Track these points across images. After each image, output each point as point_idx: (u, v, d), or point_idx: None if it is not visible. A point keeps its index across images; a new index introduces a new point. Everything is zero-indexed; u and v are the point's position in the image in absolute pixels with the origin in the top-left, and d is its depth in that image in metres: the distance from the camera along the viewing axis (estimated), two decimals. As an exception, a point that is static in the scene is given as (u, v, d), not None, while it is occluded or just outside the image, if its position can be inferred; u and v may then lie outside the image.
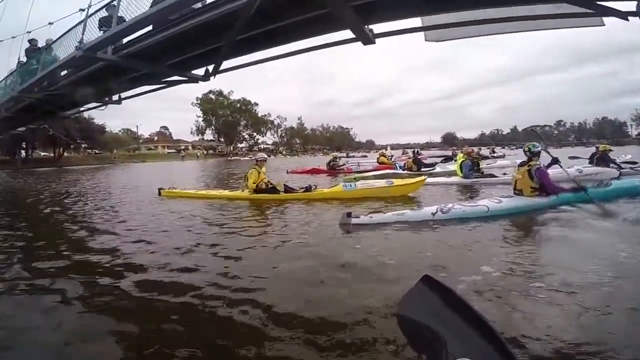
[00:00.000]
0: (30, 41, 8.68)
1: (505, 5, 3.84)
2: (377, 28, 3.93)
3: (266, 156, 8.19)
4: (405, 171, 12.08)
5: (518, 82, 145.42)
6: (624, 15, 3.63)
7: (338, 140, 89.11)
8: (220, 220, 5.38)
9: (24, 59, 8.85)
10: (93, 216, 6.13)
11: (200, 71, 7.38)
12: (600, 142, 14.33)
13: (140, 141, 67.75)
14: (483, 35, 4.20)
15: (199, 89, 79.12)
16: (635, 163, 10.36)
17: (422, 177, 7.83)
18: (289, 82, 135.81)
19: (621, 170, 9.00)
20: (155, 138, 76.12)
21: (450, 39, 4.15)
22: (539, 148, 5.58)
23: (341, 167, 15.21)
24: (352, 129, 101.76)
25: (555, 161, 5.86)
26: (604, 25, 4.00)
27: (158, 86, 8.86)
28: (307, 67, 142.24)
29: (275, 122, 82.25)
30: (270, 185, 7.42)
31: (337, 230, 4.43)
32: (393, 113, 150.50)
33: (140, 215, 6.04)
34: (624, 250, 3.25)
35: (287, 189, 7.51)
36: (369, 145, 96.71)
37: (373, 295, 2.44)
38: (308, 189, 7.44)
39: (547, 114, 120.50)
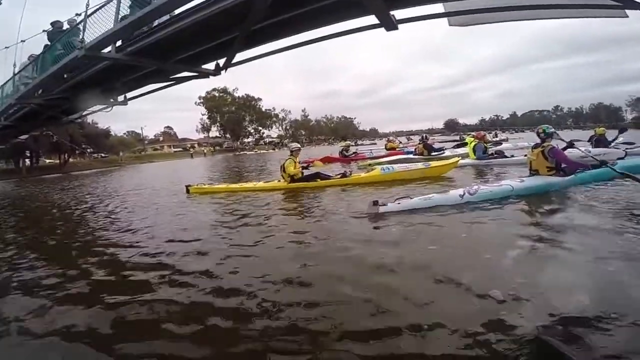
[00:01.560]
0: (53, 23, 7.81)
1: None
2: (398, 14, 3.74)
3: (300, 146, 8.09)
4: (417, 156, 12.10)
5: (515, 69, 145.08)
6: None
7: (342, 130, 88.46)
8: (259, 213, 5.24)
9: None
10: (126, 220, 5.75)
11: (210, 65, 7.20)
12: (595, 125, 14.48)
13: (146, 142, 67.67)
14: (508, 21, 4.01)
15: (200, 88, 79.93)
16: (633, 143, 10.58)
17: (457, 159, 7.89)
18: (292, 75, 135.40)
19: (627, 150, 9.12)
20: (161, 138, 75.97)
21: (474, 24, 3.96)
22: (552, 130, 5.54)
23: (353, 155, 15.22)
24: (355, 118, 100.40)
25: (570, 144, 5.80)
26: (627, 17, 3.80)
27: (166, 83, 8.63)
28: (308, 60, 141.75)
29: (280, 116, 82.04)
30: (305, 175, 7.41)
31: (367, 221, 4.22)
32: (395, 101, 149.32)
33: (174, 216, 5.72)
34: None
35: (323, 177, 7.48)
36: (373, 134, 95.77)
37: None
38: (344, 175, 7.39)
39: (544, 100, 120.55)
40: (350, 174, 7.39)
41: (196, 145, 69.00)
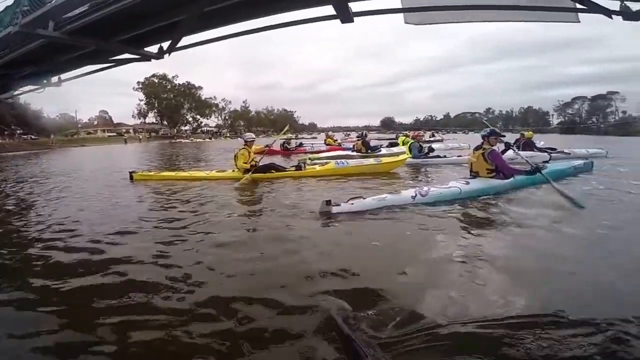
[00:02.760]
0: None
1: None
2: (355, 6, 3.65)
3: (253, 136, 7.84)
4: (356, 152, 12.32)
5: (450, 71, 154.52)
6: (608, 14, 3.66)
7: (282, 123, 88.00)
8: (208, 204, 5.10)
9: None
10: (64, 210, 5.08)
11: (153, 48, 6.63)
12: (524, 129, 15.79)
13: (79, 126, 62.45)
14: (463, 22, 4.06)
15: (138, 74, 77.92)
16: (554, 149, 11.36)
17: (405, 156, 8.19)
18: (236, 66, 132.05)
19: (551, 155, 10.02)
20: (95, 122, 70.37)
21: (429, 23, 3.96)
22: (486, 132, 5.82)
23: (294, 148, 15.15)
24: (295, 111, 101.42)
25: (508, 146, 6.20)
26: (579, 22, 4.02)
27: (105, 65, 7.85)
28: (253, 50, 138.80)
29: (220, 105, 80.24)
30: (260, 165, 7.22)
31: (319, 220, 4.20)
32: (334, 97, 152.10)
33: (119, 205, 5.32)
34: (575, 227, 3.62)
35: (278, 168, 7.34)
36: (312, 128, 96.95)
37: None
38: (299, 167, 7.28)
39: (476, 101, 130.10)
40: (305, 166, 7.33)
41: (131, 131, 65.17)
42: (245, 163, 7.11)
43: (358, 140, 13.47)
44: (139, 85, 68.52)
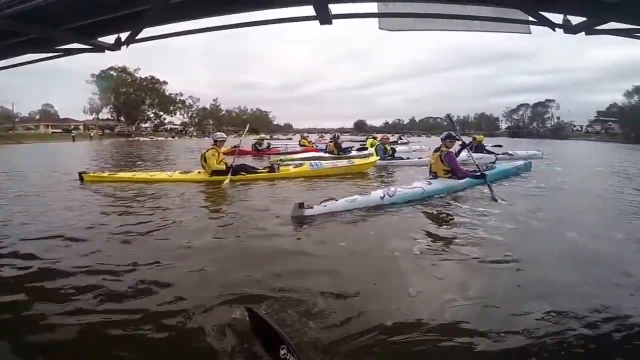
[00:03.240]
0: None
1: (455, 3, 3.85)
2: (335, 9, 3.58)
3: (225, 136, 7.47)
4: (328, 154, 12.49)
5: (418, 78, 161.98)
6: (553, 26, 3.90)
7: (255, 123, 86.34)
8: (168, 210, 4.87)
9: None
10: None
11: (109, 39, 6.08)
12: (477, 133, 17.73)
13: (17, 120, 56.66)
14: (432, 30, 4.19)
15: (92, 66, 71.67)
16: (501, 146, 13.87)
17: (376, 157, 8.47)
18: (208, 62, 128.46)
19: (497, 156, 11.48)
20: (37, 117, 64.18)
21: (401, 30, 4.03)
22: (444, 135, 6.46)
23: (266, 149, 14.92)
24: (270, 112, 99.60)
25: (464, 146, 6.70)
26: (530, 33, 4.28)
27: (50, 55, 7.11)
28: (227, 47, 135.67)
29: (187, 102, 76.11)
30: (230, 167, 6.85)
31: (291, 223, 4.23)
32: (311, 98, 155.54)
33: (67, 210, 4.93)
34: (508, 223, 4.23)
35: (249, 170, 7.06)
36: (287, 129, 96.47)
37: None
38: (272, 169, 7.08)
39: (439, 107, 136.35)
40: (279, 168, 7.19)
41: (81, 127, 60.03)
42: (219, 163, 6.75)
43: (330, 142, 13.68)
44: (93, 78, 63.09)
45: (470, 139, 13.15)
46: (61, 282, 2.52)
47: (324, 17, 3.55)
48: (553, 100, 76.94)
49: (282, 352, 1.52)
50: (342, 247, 3.34)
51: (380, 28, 4.12)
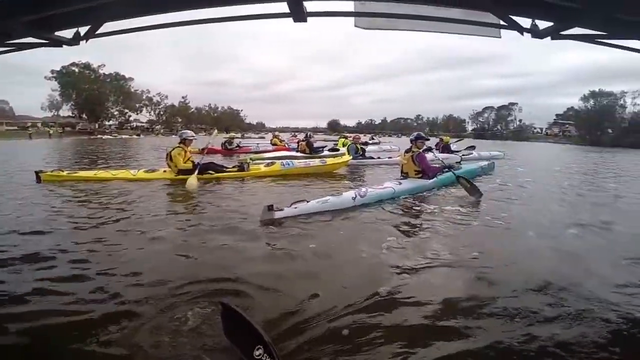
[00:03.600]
0: None
1: (431, 4, 3.83)
2: (310, 6, 3.45)
3: (194, 134, 7.21)
4: (300, 153, 12.40)
5: (388, 79, 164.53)
6: (521, 31, 3.97)
7: (227, 121, 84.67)
8: (133, 208, 4.76)
9: None
10: None
11: (68, 33, 5.64)
12: (445, 134, 18.40)
13: (-36, 117, 52.59)
14: (407, 30, 4.16)
15: (53, 61, 68.45)
16: (473, 147, 14.51)
17: (348, 157, 8.41)
18: (177, 59, 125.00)
19: (462, 157, 11.92)
20: (-11, 114, 59.96)
21: (378, 29, 4.01)
22: (414, 136, 6.62)
23: (236, 148, 14.59)
24: (242, 110, 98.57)
25: (429, 149, 6.89)
26: (500, 37, 4.35)
27: (1, 49, 6.55)
28: (198, 44, 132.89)
29: (155, 100, 73.38)
30: (197, 165, 6.66)
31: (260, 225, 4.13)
32: (285, 98, 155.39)
33: (19, 210, 4.67)
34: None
35: (217, 169, 6.81)
36: (259, 128, 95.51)
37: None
38: (242, 168, 6.87)
39: (409, 108, 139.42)
40: (249, 166, 7.01)
41: (39, 125, 56.56)
42: (186, 162, 6.50)
43: (302, 141, 13.52)
44: (53, 74, 59.94)
45: (438, 139, 13.64)
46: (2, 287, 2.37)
47: (298, 15, 3.42)
48: (516, 103, 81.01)
49: (256, 352, 1.40)
50: (311, 249, 3.27)
51: (356, 26, 4.07)
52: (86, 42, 5.92)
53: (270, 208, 4.15)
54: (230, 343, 1.68)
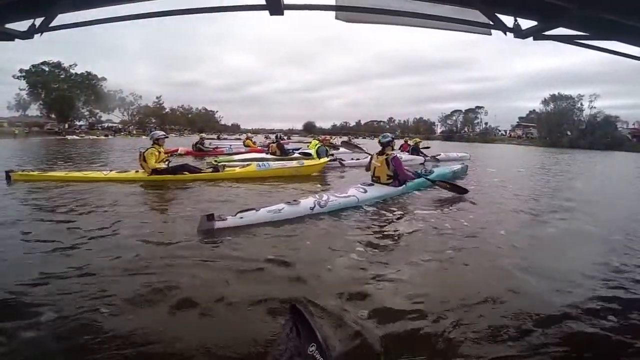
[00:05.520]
0: None
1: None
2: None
3: (165, 134, 6.83)
4: (270, 155, 12.09)
5: (361, 82, 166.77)
6: (505, 30, 3.80)
7: (201, 122, 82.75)
8: (97, 209, 4.58)
9: None
10: None
11: (20, 25, 5.04)
12: (416, 136, 19.39)
13: None
14: (390, 25, 3.93)
15: (21, 58, 68.10)
16: (428, 147, 14.33)
17: (326, 159, 8.13)
18: (150, 58, 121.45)
19: (425, 159, 12.28)
20: (-53, 112, 55.90)
21: (359, 22, 3.73)
22: (388, 138, 6.09)
23: (208, 149, 14.10)
24: (217, 111, 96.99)
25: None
26: (491, 34, 4.19)
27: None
28: (171, 43, 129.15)
29: (128, 100, 70.68)
30: (171, 166, 6.50)
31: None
32: (260, 99, 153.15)
33: None
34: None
35: (192, 170, 6.44)
36: (234, 129, 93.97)
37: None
38: (216, 169, 6.53)
39: (382, 111, 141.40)
40: (224, 168, 6.71)
41: (5, 124, 53.29)
42: (158, 163, 6.16)
43: (273, 143, 13.16)
44: (21, 73, 56.64)
45: (402, 141, 14.01)
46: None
47: (275, 7, 3.07)
48: (482, 107, 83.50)
49: (310, 349, 1.51)
50: (253, 263, 2.96)
51: (337, 19, 3.80)
52: (40, 35, 5.37)
53: (210, 218, 3.71)
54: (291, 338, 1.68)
